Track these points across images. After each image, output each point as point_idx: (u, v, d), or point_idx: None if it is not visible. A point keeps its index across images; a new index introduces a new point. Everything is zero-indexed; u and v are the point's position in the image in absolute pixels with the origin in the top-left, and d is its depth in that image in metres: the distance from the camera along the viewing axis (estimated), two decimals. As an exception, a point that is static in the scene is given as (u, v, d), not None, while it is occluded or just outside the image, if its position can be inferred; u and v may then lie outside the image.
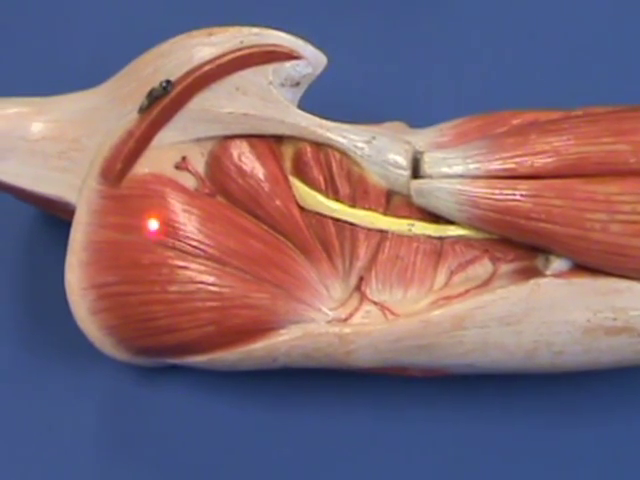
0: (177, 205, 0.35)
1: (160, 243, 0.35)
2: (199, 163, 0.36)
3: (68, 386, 0.39)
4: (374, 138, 0.36)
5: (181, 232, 0.35)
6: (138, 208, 0.35)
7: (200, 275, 0.35)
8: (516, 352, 0.35)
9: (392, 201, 0.36)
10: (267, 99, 0.35)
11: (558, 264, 0.35)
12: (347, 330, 0.35)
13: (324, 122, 0.36)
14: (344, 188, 0.36)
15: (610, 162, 0.34)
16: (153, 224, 0.35)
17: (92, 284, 0.36)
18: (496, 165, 0.34)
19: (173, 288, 0.35)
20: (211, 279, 0.35)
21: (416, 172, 0.35)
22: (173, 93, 0.35)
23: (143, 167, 0.36)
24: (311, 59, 0.36)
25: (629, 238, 0.34)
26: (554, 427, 0.38)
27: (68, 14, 0.48)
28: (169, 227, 0.35)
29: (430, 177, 0.35)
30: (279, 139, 0.36)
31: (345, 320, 0.35)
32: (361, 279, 0.36)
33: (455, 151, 0.35)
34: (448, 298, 0.35)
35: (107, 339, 0.36)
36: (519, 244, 0.35)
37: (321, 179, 0.36)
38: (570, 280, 0.34)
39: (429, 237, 0.36)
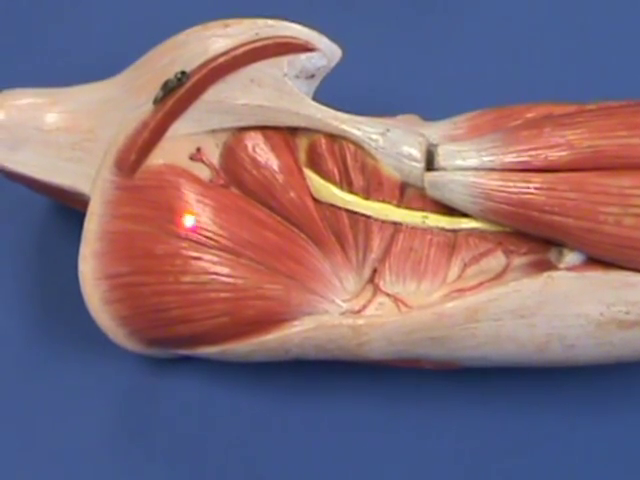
0: (191, 196, 0.35)
1: (174, 234, 0.35)
2: (213, 154, 0.36)
3: (80, 376, 0.39)
4: (388, 130, 0.36)
5: (195, 223, 0.35)
6: (152, 199, 0.35)
7: (214, 266, 0.35)
8: (529, 345, 0.35)
9: (406, 193, 0.36)
10: (282, 91, 0.36)
11: (571, 257, 0.35)
12: (360, 322, 0.35)
13: (339, 114, 0.36)
14: (358, 180, 0.36)
15: (624, 156, 0.34)
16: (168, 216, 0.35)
17: (105, 274, 0.36)
18: (510, 158, 0.34)
19: (186, 279, 0.35)
20: (225, 270, 0.35)
21: (430, 165, 0.36)
22: (188, 84, 0.35)
23: (157, 158, 0.36)
24: (326, 51, 0.36)
25: (642, 232, 0.34)
26: (566, 420, 0.38)
27: (84, 5, 0.48)
28: (183, 218, 0.35)
29: (444, 170, 0.35)
30: (293, 131, 0.36)
31: (358, 312, 0.35)
32: (374, 271, 0.36)
33: (469, 144, 0.35)
34: (461, 291, 0.35)
35: (120, 330, 0.36)
36: (532, 237, 0.35)
37: (335, 171, 0.36)
38: (583, 273, 0.34)
39: (443, 229, 0.36)
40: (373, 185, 0.36)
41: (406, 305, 0.35)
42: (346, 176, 0.36)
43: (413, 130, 0.36)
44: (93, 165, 0.37)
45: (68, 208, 0.40)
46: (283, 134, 0.36)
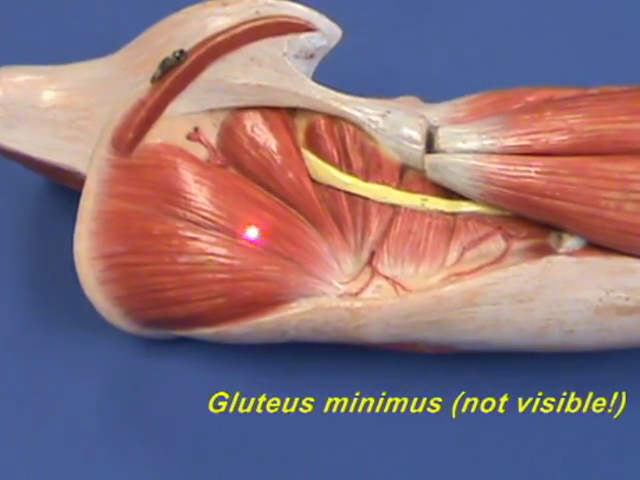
0: (188, 176, 0.35)
1: (171, 214, 0.35)
2: (211, 134, 0.36)
3: (75, 357, 0.39)
4: (389, 112, 0.35)
5: (192, 203, 0.35)
6: (149, 178, 0.35)
7: (211, 247, 0.35)
8: (527, 330, 0.35)
9: (405, 176, 0.36)
10: (282, 71, 0.35)
11: (571, 242, 0.34)
12: (358, 304, 0.35)
13: (339, 95, 0.36)
14: (357, 162, 0.36)
15: (625, 141, 0.34)
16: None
17: (101, 254, 0.35)
18: (511, 141, 0.34)
19: (183, 259, 0.35)
20: (222, 251, 0.35)
21: (430, 147, 0.35)
22: (187, 63, 0.35)
23: (155, 137, 0.35)
24: (326, 31, 0.36)
25: (643, 218, 0.33)
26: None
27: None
28: (180, 198, 0.35)
29: (444, 152, 0.35)
30: (292, 111, 0.36)
31: (356, 294, 0.35)
32: (373, 253, 0.35)
33: (470, 127, 0.35)
34: (460, 274, 0.35)
35: (115, 310, 0.36)
36: (532, 221, 0.35)
37: (334, 152, 0.36)
38: (583, 259, 0.34)
39: (442, 212, 0.35)
40: (372, 167, 0.35)
41: (404, 288, 0.35)
42: (345, 157, 0.36)
43: (413, 112, 0.36)
44: (90, 143, 0.36)
45: (64, 187, 0.40)
46: (282, 114, 0.36)
